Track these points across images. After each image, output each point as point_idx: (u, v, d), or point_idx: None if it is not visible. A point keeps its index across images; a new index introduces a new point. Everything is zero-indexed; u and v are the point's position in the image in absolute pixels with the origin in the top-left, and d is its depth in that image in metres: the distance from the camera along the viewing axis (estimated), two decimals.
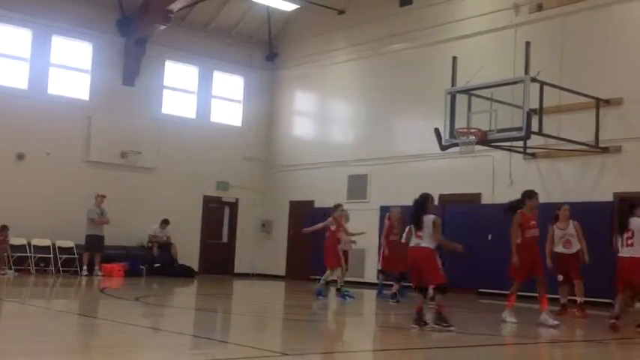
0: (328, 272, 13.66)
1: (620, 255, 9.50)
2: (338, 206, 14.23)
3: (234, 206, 22.27)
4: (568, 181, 15.55)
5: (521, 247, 9.81)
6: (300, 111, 22.68)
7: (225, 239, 22.28)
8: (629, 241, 9.36)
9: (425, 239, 8.87)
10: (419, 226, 8.93)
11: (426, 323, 8.81)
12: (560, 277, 11.63)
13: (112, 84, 20.12)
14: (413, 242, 8.99)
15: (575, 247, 11.64)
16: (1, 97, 18.23)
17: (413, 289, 9.33)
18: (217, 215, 22.14)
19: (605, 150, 14.86)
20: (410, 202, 14.09)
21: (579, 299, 11.61)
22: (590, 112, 14.89)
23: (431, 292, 10.49)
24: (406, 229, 9.77)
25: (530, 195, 10.13)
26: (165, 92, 21.41)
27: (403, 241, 10.01)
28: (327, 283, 13.77)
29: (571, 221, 11.76)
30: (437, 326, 8.67)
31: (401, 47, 19.28)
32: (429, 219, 8.95)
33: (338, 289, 13.96)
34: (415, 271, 9.00)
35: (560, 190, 15.53)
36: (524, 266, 9.77)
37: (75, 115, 19.29)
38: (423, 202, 9.12)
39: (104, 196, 18.33)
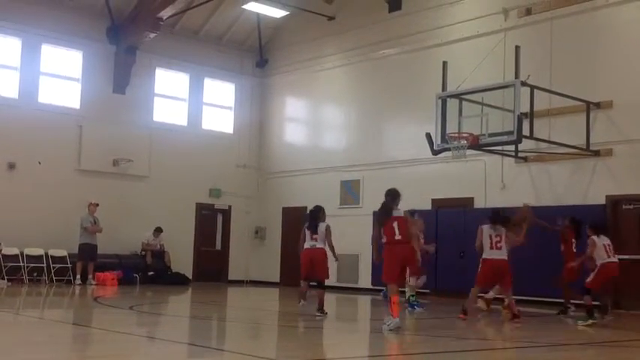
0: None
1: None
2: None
3: (227, 213, 22.25)
4: (559, 184, 15.63)
5: None
6: (292, 117, 22.71)
7: (218, 246, 22.26)
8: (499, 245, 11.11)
9: (319, 242, 10.99)
10: (315, 230, 11.02)
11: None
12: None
13: (103, 92, 20.10)
14: (309, 244, 10.99)
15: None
16: None
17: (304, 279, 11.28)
18: (210, 222, 22.13)
19: (596, 153, 14.95)
20: (403, 207, 14.20)
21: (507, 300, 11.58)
22: (580, 115, 14.98)
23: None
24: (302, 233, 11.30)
25: None
26: (156, 100, 21.40)
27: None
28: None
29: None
30: (320, 315, 10.72)
31: (391, 52, 19.35)
32: (323, 226, 11.09)
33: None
34: (309, 267, 11.02)
35: (551, 194, 15.63)
36: None
37: (66, 124, 19.25)
38: (317, 212, 11.20)
39: (97, 205, 18.29)
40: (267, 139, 22.92)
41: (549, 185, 15.82)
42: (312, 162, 20.97)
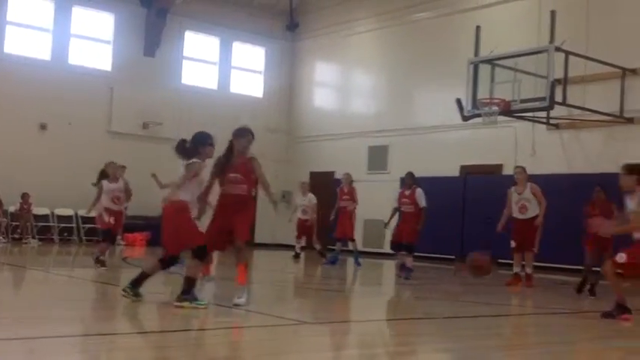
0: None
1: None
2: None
3: None
4: (591, 151, 15.38)
5: None
6: (321, 82, 22.57)
7: None
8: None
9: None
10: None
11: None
12: (513, 244, 11.24)
13: (134, 55, 20.15)
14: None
15: (532, 212, 11.13)
16: (24, 67, 18.34)
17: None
18: None
19: (630, 120, 14.66)
20: (431, 173, 14.11)
21: (527, 270, 11.20)
22: (615, 81, 14.68)
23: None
24: None
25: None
26: (186, 63, 21.40)
27: None
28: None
29: (529, 184, 11.25)
30: (187, 303, 6.91)
31: (423, 16, 19.06)
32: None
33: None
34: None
35: (583, 161, 15.39)
36: None
37: (97, 86, 19.37)
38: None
39: (124, 167, 18.40)
40: (297, 104, 22.83)
41: (581, 152, 15.58)
42: (340, 127, 20.88)
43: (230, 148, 7.73)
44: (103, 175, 11.62)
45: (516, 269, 11.33)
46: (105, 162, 11.72)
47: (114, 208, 11.51)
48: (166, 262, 7.41)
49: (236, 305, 7.20)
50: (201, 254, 7.22)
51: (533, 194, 11.16)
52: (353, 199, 14.59)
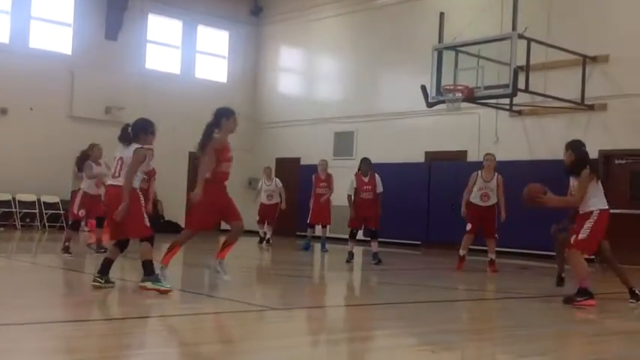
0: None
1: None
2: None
3: None
4: (553, 138, 15.58)
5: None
6: (286, 67, 22.50)
7: None
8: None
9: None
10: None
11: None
12: (469, 226, 11.29)
13: (95, 38, 19.83)
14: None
15: (492, 200, 11.22)
16: None
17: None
18: None
19: (591, 107, 14.91)
20: (397, 160, 14.10)
21: (491, 256, 11.31)
22: (576, 69, 14.90)
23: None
24: None
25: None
26: (149, 47, 21.13)
27: None
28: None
29: (496, 175, 11.32)
30: (149, 283, 7.01)
31: (388, 2, 19.10)
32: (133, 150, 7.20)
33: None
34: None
35: (545, 148, 15.63)
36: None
37: (58, 70, 19.04)
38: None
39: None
40: (262, 89, 22.73)
41: (543, 139, 15.81)
42: (306, 113, 20.86)
43: (218, 127, 8.04)
44: (84, 157, 11.56)
45: (462, 252, 11.36)
46: (90, 144, 11.93)
47: (92, 192, 11.49)
48: (122, 245, 7.40)
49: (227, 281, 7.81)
50: (150, 239, 7.26)
51: (497, 186, 11.28)
52: (330, 186, 14.71)
